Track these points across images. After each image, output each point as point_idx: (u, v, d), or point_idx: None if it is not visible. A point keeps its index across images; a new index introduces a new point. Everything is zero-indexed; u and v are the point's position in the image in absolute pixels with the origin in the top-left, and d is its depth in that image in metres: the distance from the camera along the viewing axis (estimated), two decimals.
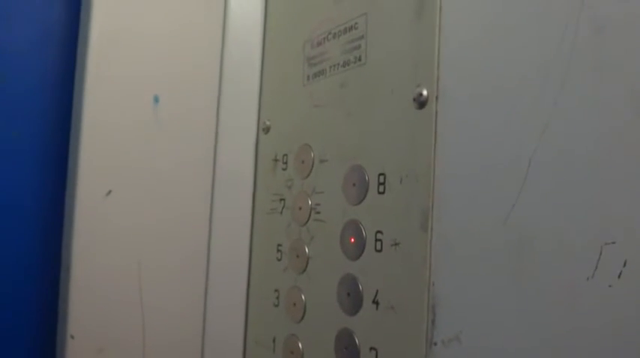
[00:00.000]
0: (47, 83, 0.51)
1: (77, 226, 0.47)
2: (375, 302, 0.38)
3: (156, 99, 0.51)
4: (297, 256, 0.46)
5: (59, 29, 0.51)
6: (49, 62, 0.51)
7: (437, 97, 0.35)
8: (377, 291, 0.38)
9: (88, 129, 0.48)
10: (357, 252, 0.40)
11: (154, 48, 0.51)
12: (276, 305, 0.48)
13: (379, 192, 0.38)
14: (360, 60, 0.41)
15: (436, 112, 0.35)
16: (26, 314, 0.49)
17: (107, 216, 0.48)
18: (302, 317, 0.45)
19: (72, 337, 0.47)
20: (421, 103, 0.36)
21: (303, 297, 0.45)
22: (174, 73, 0.52)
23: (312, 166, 0.45)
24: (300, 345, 0.45)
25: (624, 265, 0.25)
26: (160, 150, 0.51)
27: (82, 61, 0.49)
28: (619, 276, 0.25)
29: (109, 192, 0.48)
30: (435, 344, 0.34)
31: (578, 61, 0.28)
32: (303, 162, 0.46)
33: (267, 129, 0.52)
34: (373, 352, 0.38)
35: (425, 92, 0.35)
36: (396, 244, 0.37)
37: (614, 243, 0.26)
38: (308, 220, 0.45)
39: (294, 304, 0.46)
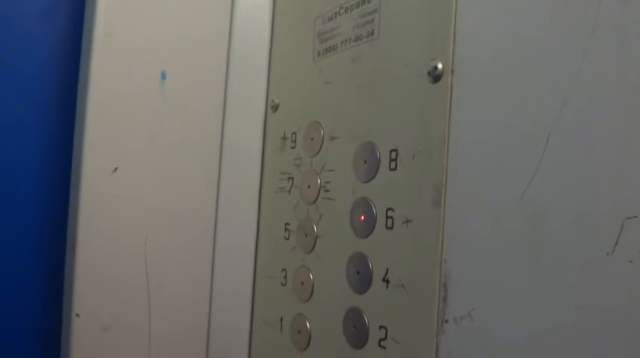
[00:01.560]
0: (54, 57, 0.50)
1: (83, 204, 0.47)
2: (385, 281, 0.37)
3: (163, 76, 0.50)
4: (306, 235, 0.45)
5: (66, 4, 0.51)
6: (56, 36, 0.50)
7: (452, 71, 0.34)
8: (387, 269, 0.37)
9: (94, 105, 0.47)
10: (367, 229, 0.39)
11: (161, 23, 0.50)
12: (284, 285, 0.48)
13: (391, 169, 0.38)
14: (372, 34, 0.41)
15: (451, 86, 0.34)
16: (31, 292, 0.49)
17: (113, 193, 0.48)
18: (310, 297, 0.45)
19: (77, 315, 0.47)
20: (436, 77, 0.35)
21: (311, 276, 0.45)
22: (181, 49, 0.51)
23: (322, 144, 0.45)
24: (307, 324, 0.45)
25: None
26: (167, 127, 0.50)
27: (89, 36, 0.48)
28: None
29: (115, 169, 0.48)
30: (447, 321, 0.33)
31: (601, 33, 0.27)
32: (312, 139, 0.46)
33: (275, 107, 0.51)
34: (383, 330, 0.37)
35: (440, 65, 0.35)
36: (408, 221, 0.36)
37: (636, 217, 0.25)
38: (317, 198, 0.45)
39: (302, 283, 0.45)
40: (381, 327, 0.38)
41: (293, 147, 0.48)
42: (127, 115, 0.48)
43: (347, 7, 0.43)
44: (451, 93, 0.34)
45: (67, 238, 0.48)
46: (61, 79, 0.50)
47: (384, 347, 0.37)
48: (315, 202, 0.45)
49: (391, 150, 0.38)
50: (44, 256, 0.49)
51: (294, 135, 0.48)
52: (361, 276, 0.39)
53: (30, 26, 0.49)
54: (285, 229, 0.48)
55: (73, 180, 0.48)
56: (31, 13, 0.49)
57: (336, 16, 0.44)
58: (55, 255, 0.49)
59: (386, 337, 0.37)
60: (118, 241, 0.48)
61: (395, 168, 0.37)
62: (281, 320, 0.48)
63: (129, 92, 0.48)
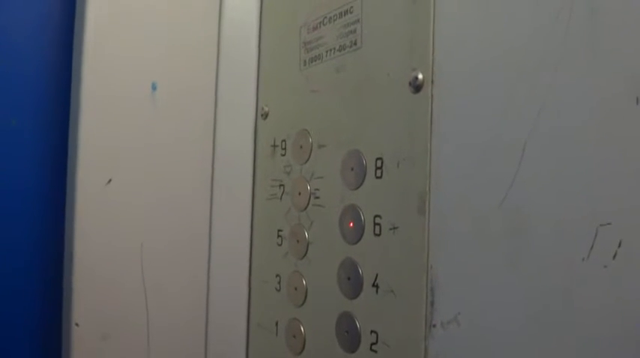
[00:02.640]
0: (45, 72, 0.51)
1: (78, 217, 0.48)
2: (375, 286, 0.38)
3: (154, 87, 0.51)
4: (298, 241, 0.46)
5: (56, 17, 0.51)
6: (46, 51, 0.51)
7: (432, 81, 0.35)
8: (376, 275, 0.38)
9: (87, 118, 0.48)
10: (356, 236, 0.40)
11: (150, 35, 0.51)
12: (278, 290, 0.49)
13: (377, 177, 0.39)
14: (355, 44, 0.41)
15: (432, 96, 0.35)
16: (31, 303, 0.50)
17: (108, 204, 0.49)
18: (303, 302, 0.46)
19: (77, 325, 0.48)
20: (417, 87, 0.36)
21: (304, 282, 0.46)
22: (171, 60, 0.52)
23: (311, 151, 0.45)
24: (302, 329, 0.46)
25: (619, 246, 0.25)
26: (159, 137, 0.51)
27: (79, 49, 0.49)
28: (614, 257, 0.25)
29: (109, 180, 0.49)
30: (434, 326, 0.34)
31: (572, 43, 0.28)
32: (301, 147, 0.47)
33: (265, 115, 0.52)
34: (374, 335, 0.38)
35: (420, 76, 0.35)
36: (395, 228, 0.37)
37: (609, 223, 0.26)
38: (307, 205, 0.45)
39: (296, 288, 0.46)
40: (372, 332, 0.39)
41: (283, 155, 0.49)
42: (119, 127, 0.49)
43: (330, 17, 0.44)
44: (432, 103, 0.35)
45: (65, 250, 0.49)
46: (54, 92, 0.51)
47: (375, 351, 0.38)
48: (305, 209, 0.46)
49: (377, 158, 0.39)
50: (43, 267, 0.50)
51: (283, 143, 0.49)
52: (352, 282, 0.40)
53: (22, 41, 0.50)
54: (278, 235, 0.49)
55: (69, 192, 0.49)
56: (23, 29, 0.50)
57: (320, 26, 0.45)
58: (54, 266, 0.49)
59: (377, 341, 0.38)
60: (115, 251, 0.49)
61: (381, 176, 0.38)
62: (276, 324, 0.49)
63: (120, 104, 0.49)
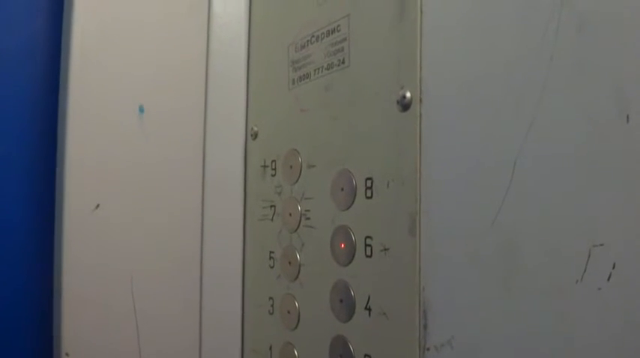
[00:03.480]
0: (30, 97, 0.50)
1: (66, 242, 0.47)
2: (368, 309, 0.38)
3: (141, 109, 0.50)
4: (289, 263, 0.45)
5: (42, 40, 0.51)
6: (31, 75, 0.50)
7: (421, 99, 0.34)
8: (369, 297, 0.37)
9: (73, 142, 0.47)
10: (347, 257, 0.39)
11: (136, 56, 0.50)
12: (271, 313, 0.48)
13: (367, 197, 0.38)
14: (343, 62, 0.41)
15: (420, 115, 0.34)
16: (20, 334, 0.49)
17: (96, 230, 0.48)
18: (297, 325, 0.45)
19: (67, 355, 0.47)
20: (405, 106, 0.35)
21: (297, 305, 0.45)
22: (158, 82, 0.51)
23: (301, 172, 0.45)
24: (296, 353, 0.45)
25: (613, 267, 0.24)
26: (148, 160, 0.50)
27: (65, 72, 0.48)
28: (608, 279, 0.25)
29: (97, 205, 0.48)
30: (428, 349, 0.33)
31: (560, 61, 0.27)
32: (291, 167, 0.46)
33: (255, 135, 0.51)
34: None
35: (408, 94, 0.35)
36: (386, 249, 0.36)
37: (602, 245, 0.25)
38: (298, 226, 0.45)
39: (289, 312, 0.45)
40: (365, 355, 0.38)
41: (273, 175, 0.48)
42: (106, 151, 0.49)
43: (318, 36, 0.44)
44: (420, 122, 0.34)
45: (54, 278, 0.48)
46: (40, 116, 0.50)
47: None
48: (297, 230, 0.45)
49: (366, 178, 0.38)
50: (31, 297, 0.49)
51: (273, 163, 0.49)
52: (345, 305, 0.39)
53: (5, 65, 0.49)
54: (270, 257, 0.48)
55: (57, 218, 0.48)
56: (7, 52, 0.49)
57: (308, 44, 0.45)
58: (42, 295, 0.48)
59: None
60: (105, 278, 0.48)
61: (371, 196, 0.38)
62: (270, 348, 0.48)
63: (107, 128, 0.49)
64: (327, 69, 0.42)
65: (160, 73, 0.52)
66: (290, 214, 0.46)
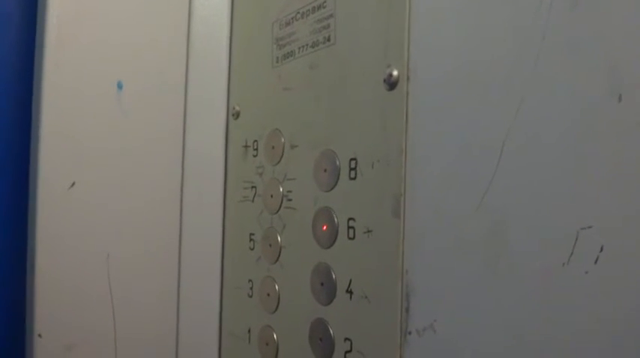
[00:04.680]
0: (5, 72, 0.48)
1: (40, 221, 0.45)
2: (349, 292, 0.37)
3: (119, 85, 0.49)
4: (270, 245, 0.45)
5: (17, 16, 0.49)
6: (7, 50, 0.48)
7: (408, 78, 0.34)
8: (350, 280, 0.37)
9: (48, 118, 0.46)
10: (329, 240, 0.39)
11: (115, 31, 0.49)
12: (251, 296, 0.47)
13: (351, 178, 0.37)
14: (329, 40, 0.40)
15: (407, 93, 0.33)
16: None
17: (71, 209, 0.46)
18: (276, 308, 0.44)
19: (39, 336, 0.46)
20: (392, 84, 0.34)
21: (276, 287, 0.44)
22: (138, 58, 0.50)
23: (283, 152, 0.44)
24: (275, 336, 0.44)
25: (601, 250, 0.24)
26: (126, 138, 0.49)
27: (41, 47, 0.46)
28: (595, 262, 0.24)
29: (73, 184, 0.46)
30: (410, 333, 0.33)
31: (552, 39, 0.27)
32: (273, 148, 0.45)
33: (236, 115, 0.50)
34: (348, 342, 0.37)
35: (395, 72, 0.34)
36: (369, 231, 0.35)
37: (590, 227, 0.24)
38: (280, 208, 0.44)
39: (268, 294, 0.45)
40: (346, 339, 0.37)
41: (255, 156, 0.47)
42: (82, 128, 0.47)
43: (303, 12, 0.42)
44: (407, 101, 0.33)
45: (27, 257, 0.47)
46: (15, 92, 0.48)
47: None
48: (278, 212, 0.44)
49: (350, 159, 0.37)
50: (3, 277, 0.48)
51: (255, 143, 0.47)
52: (325, 287, 0.39)
53: None
54: (250, 239, 0.47)
55: (30, 197, 0.47)
56: None
57: (292, 21, 0.44)
58: (15, 275, 0.47)
59: (351, 349, 0.36)
60: (79, 257, 0.47)
61: (355, 178, 0.37)
62: (249, 331, 0.47)
63: (83, 104, 0.47)
64: (313, 47, 0.41)
65: (140, 48, 0.50)
66: (271, 195, 0.45)
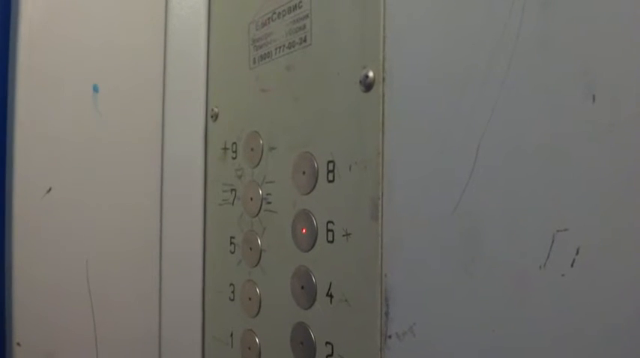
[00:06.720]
0: None
1: (16, 228, 0.45)
2: (329, 295, 0.36)
3: (95, 88, 0.48)
4: (250, 249, 0.44)
5: None
6: None
7: (384, 79, 0.33)
8: (330, 284, 0.36)
9: (23, 122, 0.45)
10: (309, 243, 0.38)
11: (90, 32, 0.48)
12: (232, 300, 0.47)
13: (329, 181, 0.37)
14: (305, 41, 0.39)
15: (383, 95, 0.33)
16: None
17: (48, 214, 0.46)
18: (258, 312, 0.43)
19: (18, 344, 0.45)
20: (368, 86, 0.34)
21: (258, 291, 0.43)
22: (114, 59, 0.49)
23: (262, 154, 0.43)
24: (257, 340, 0.44)
25: (577, 253, 0.24)
26: (103, 141, 0.48)
27: (14, 48, 0.45)
28: (572, 265, 0.24)
29: (49, 189, 0.46)
30: (390, 337, 0.32)
31: (525, 39, 0.26)
32: (252, 150, 0.44)
33: (215, 117, 0.49)
34: (329, 346, 0.36)
35: (371, 74, 0.34)
36: (348, 234, 0.35)
37: (566, 229, 0.24)
38: (259, 211, 0.43)
39: (250, 298, 0.44)
40: (327, 343, 0.37)
41: (234, 158, 0.47)
42: (58, 131, 0.46)
43: (279, 13, 0.42)
44: (383, 102, 0.33)
45: (5, 265, 0.46)
46: None
47: None
48: (258, 215, 0.44)
49: (328, 161, 0.37)
50: None
51: (234, 145, 0.47)
52: (306, 291, 0.38)
53: None
54: (231, 243, 0.47)
55: (6, 204, 0.46)
56: None
57: (269, 22, 0.43)
58: None
59: (332, 353, 0.36)
60: (58, 264, 0.46)
61: (333, 180, 0.36)
62: (231, 335, 0.47)
63: (59, 107, 0.46)
64: (289, 47, 0.41)
65: (115, 52, 0.49)
66: (251, 198, 0.44)
